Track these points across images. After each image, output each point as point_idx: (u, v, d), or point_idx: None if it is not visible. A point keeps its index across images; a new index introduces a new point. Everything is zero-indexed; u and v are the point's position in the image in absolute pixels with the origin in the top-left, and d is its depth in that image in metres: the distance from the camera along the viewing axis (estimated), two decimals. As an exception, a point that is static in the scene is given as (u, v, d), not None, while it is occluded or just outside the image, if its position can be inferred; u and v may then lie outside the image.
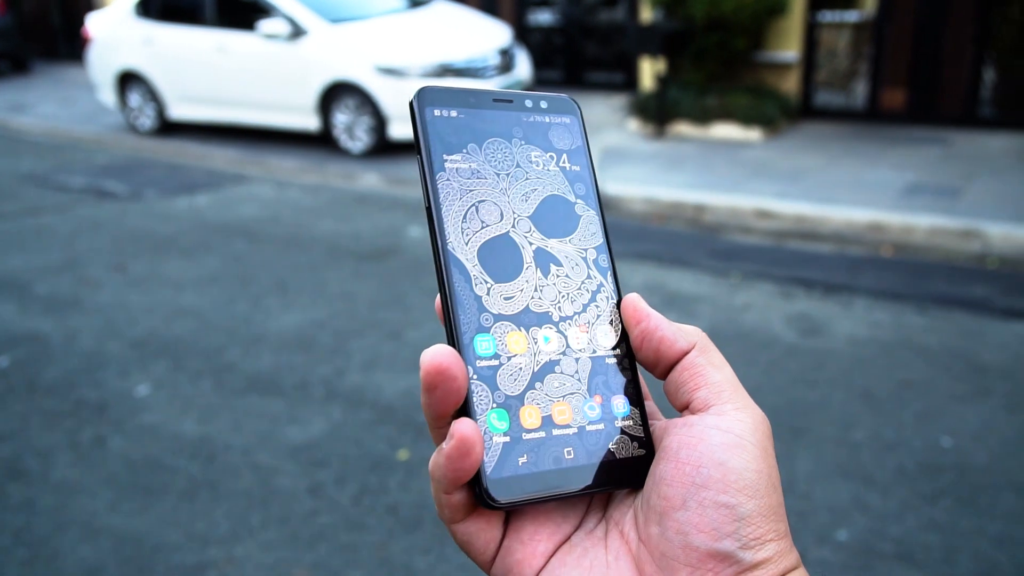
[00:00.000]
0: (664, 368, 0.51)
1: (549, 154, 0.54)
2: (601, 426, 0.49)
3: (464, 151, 0.51)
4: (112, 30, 10.04)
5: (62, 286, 5.70)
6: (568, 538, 0.49)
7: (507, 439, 0.47)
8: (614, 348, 0.51)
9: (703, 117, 8.62)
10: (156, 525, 3.26)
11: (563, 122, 0.56)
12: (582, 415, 0.49)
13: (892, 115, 8.86)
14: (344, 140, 8.85)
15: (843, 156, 7.81)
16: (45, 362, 4.60)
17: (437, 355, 0.45)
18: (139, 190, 8.15)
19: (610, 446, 0.49)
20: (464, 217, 0.49)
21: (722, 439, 0.46)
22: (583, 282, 0.52)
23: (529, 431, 0.47)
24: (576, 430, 0.49)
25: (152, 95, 9.96)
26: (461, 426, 0.44)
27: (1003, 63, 8.33)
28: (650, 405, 0.53)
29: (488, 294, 0.49)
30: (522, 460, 0.47)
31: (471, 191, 0.50)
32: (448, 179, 0.50)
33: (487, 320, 0.48)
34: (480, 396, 0.47)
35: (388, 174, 8.12)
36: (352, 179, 8.23)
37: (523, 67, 9.39)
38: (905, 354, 4.34)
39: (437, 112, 0.51)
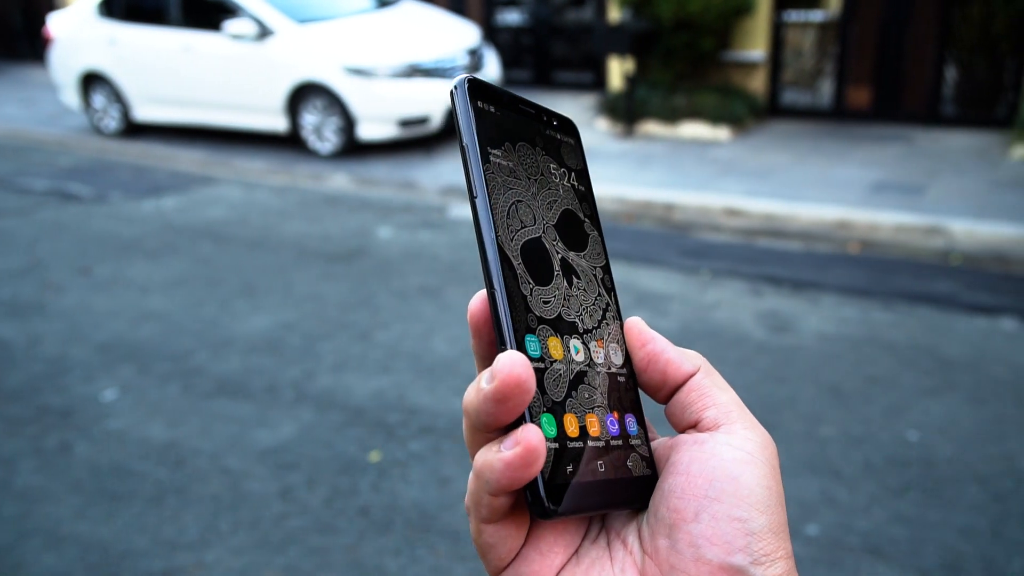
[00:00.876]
0: (669, 390, 0.51)
1: (563, 169, 0.54)
2: (620, 442, 0.49)
3: (503, 148, 0.50)
4: (74, 30, 9.89)
5: (25, 290, 5.61)
6: (576, 550, 0.49)
7: (556, 446, 0.45)
8: (622, 367, 0.52)
9: (672, 116, 8.67)
10: (123, 531, 3.21)
11: (569, 142, 0.56)
12: (607, 429, 0.49)
13: (858, 113, 8.97)
14: (312, 141, 8.78)
15: (810, 154, 7.90)
16: (7, 368, 4.52)
17: (515, 366, 0.42)
18: (104, 192, 8.04)
19: (628, 463, 0.49)
20: (507, 213, 0.48)
21: (734, 455, 0.47)
22: (596, 299, 0.52)
23: (572, 440, 0.46)
24: (604, 444, 0.48)
25: (117, 96, 9.82)
26: (529, 434, 0.42)
27: (964, 62, 8.47)
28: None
29: (531, 295, 0.47)
30: (568, 469, 0.45)
31: (511, 189, 0.49)
32: (493, 173, 0.48)
33: (532, 321, 0.47)
34: (533, 399, 0.45)
35: (357, 175, 8.07)
36: (321, 180, 8.18)
37: (492, 67, 9.39)
38: (872, 350, 4.39)
39: (481, 104, 0.49)
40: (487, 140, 0.48)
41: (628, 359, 0.52)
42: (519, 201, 0.49)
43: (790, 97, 9.42)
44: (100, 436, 3.86)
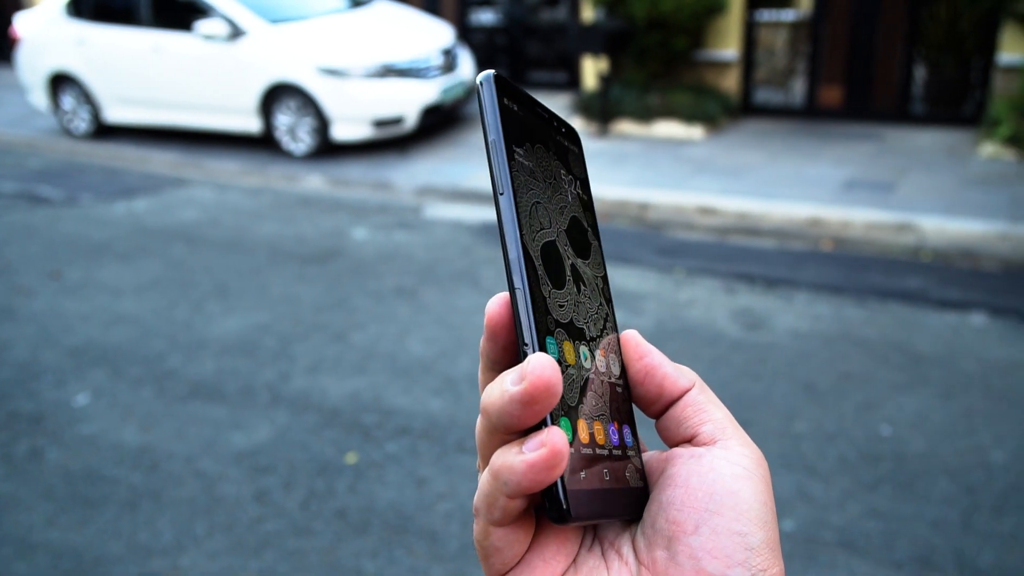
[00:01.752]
0: (663, 405, 0.51)
1: (570, 176, 0.53)
2: (620, 452, 0.49)
3: (525, 147, 0.49)
4: (42, 30, 9.76)
5: (-7, 295, 5.53)
6: (574, 559, 0.48)
7: (572, 451, 0.44)
8: (619, 378, 0.51)
9: (646, 115, 8.71)
10: (96, 538, 3.18)
11: (574, 150, 0.55)
12: (609, 438, 0.48)
13: (829, 112, 9.05)
14: (286, 142, 8.73)
15: (783, 152, 7.96)
16: (-24, 373, 4.45)
17: (546, 369, 0.41)
18: (74, 195, 7.94)
19: (626, 473, 0.49)
20: (530, 213, 0.47)
21: (732, 470, 0.47)
22: (598, 307, 0.52)
23: (584, 446, 0.46)
24: (608, 452, 0.48)
25: (86, 97, 9.70)
26: (554, 437, 0.41)
27: (932, 61, 8.57)
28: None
29: (550, 297, 0.46)
30: (582, 475, 0.44)
31: (531, 189, 0.48)
32: (517, 171, 0.47)
33: (551, 324, 0.46)
34: None
35: (331, 175, 8.03)
36: (295, 181, 8.13)
37: (466, 67, 9.38)
38: (845, 346, 4.44)
39: (507, 101, 0.48)
40: (512, 138, 0.47)
41: (624, 371, 0.52)
42: (538, 203, 0.48)
43: (763, 96, 9.49)
44: (72, 441, 3.81)
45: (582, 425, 0.46)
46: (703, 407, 0.50)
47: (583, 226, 0.53)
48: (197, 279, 5.68)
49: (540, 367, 0.41)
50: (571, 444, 0.44)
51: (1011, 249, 5.63)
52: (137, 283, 5.64)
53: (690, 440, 0.50)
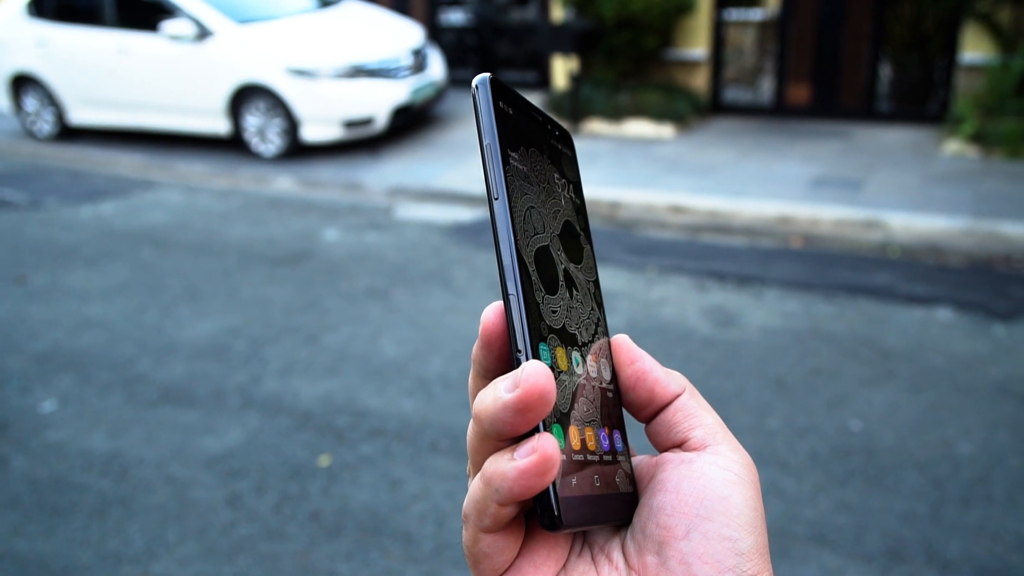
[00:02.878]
0: (653, 410, 0.51)
1: (564, 180, 0.53)
2: (611, 457, 0.49)
3: (519, 151, 0.48)
4: (2, 31, 9.59)
5: (-44, 300, 5.43)
6: (564, 565, 0.48)
7: (564, 457, 0.44)
8: (610, 383, 0.51)
9: (616, 114, 8.74)
10: (64, 546, 3.13)
11: (567, 153, 0.55)
12: (600, 444, 0.48)
13: (797, 110, 9.14)
14: (255, 143, 8.65)
15: (752, 150, 8.03)
16: (-61, 381, 4.37)
17: (540, 376, 0.41)
18: (39, 198, 7.81)
19: (616, 479, 0.48)
20: (524, 218, 0.46)
21: (723, 476, 0.47)
22: (590, 312, 0.51)
23: (575, 452, 0.45)
24: (599, 458, 0.47)
25: (50, 99, 9.55)
26: (545, 443, 0.41)
27: (897, 60, 8.69)
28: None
29: (543, 303, 0.46)
30: (573, 481, 0.44)
31: (526, 194, 0.47)
32: (512, 175, 0.46)
33: (544, 329, 0.45)
34: None
35: (302, 177, 7.98)
36: (264, 183, 8.07)
37: (436, 67, 9.36)
38: (815, 342, 4.48)
39: (502, 105, 0.48)
40: (507, 142, 0.47)
41: (614, 376, 0.52)
42: (532, 207, 0.48)
43: (732, 95, 9.56)
44: (38, 449, 3.75)
45: (574, 431, 0.46)
46: (693, 412, 0.51)
47: (576, 230, 0.52)
48: (166, 282, 5.62)
49: (535, 374, 0.41)
50: (562, 451, 0.44)
51: (975, 244, 5.72)
52: (105, 287, 5.57)
53: (680, 445, 0.50)
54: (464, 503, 0.46)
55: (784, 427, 3.71)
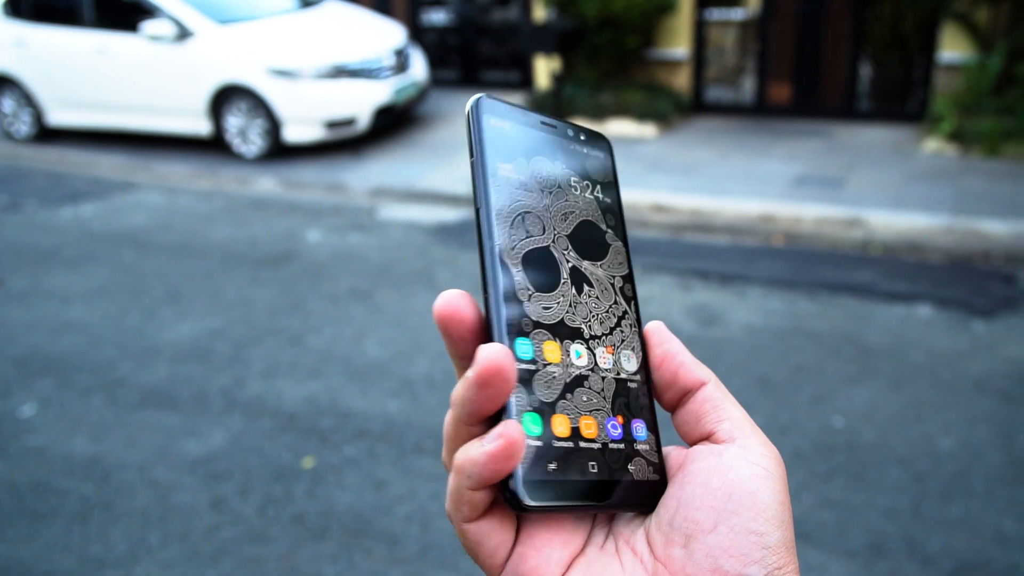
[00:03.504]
0: (677, 393, 0.53)
1: (586, 182, 0.57)
2: (622, 446, 0.51)
3: (515, 162, 0.52)
4: (-20, 32, 9.49)
5: (-66, 304, 5.37)
6: (582, 550, 0.49)
7: (539, 443, 0.47)
8: (635, 374, 0.53)
9: (598, 114, 8.76)
10: (45, 551, 3.10)
11: (597, 156, 0.59)
12: (606, 432, 0.50)
13: (778, 109, 9.19)
14: (237, 144, 8.61)
15: (734, 149, 8.06)
16: (-83, 386, 4.32)
17: (495, 353, 0.44)
18: (17, 201, 7.74)
19: (629, 466, 0.50)
20: (512, 224, 0.50)
21: (752, 471, 0.48)
22: (611, 306, 0.54)
23: (559, 439, 0.48)
24: (600, 446, 0.49)
25: (28, 100, 9.46)
26: (510, 427, 0.44)
27: (877, 59, 8.75)
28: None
29: (529, 300, 0.49)
30: (551, 467, 0.47)
31: (519, 201, 0.51)
32: (499, 185, 0.51)
33: (527, 325, 0.49)
34: (518, 398, 0.47)
35: (284, 177, 7.94)
36: (247, 184, 8.02)
37: (418, 67, 9.34)
38: (797, 339, 4.51)
39: (493, 122, 0.53)
40: (497, 155, 0.51)
41: (644, 366, 0.54)
42: (528, 212, 0.51)
43: (714, 94, 9.60)
44: (18, 453, 3.72)
45: (560, 420, 0.48)
46: (720, 404, 0.52)
47: (599, 228, 0.55)
48: (148, 285, 5.58)
49: (489, 352, 0.44)
50: (539, 438, 0.47)
51: (955, 242, 5.77)
52: (85, 290, 5.52)
53: (708, 437, 0.51)
54: (445, 503, 0.48)
55: (767, 424, 3.72)
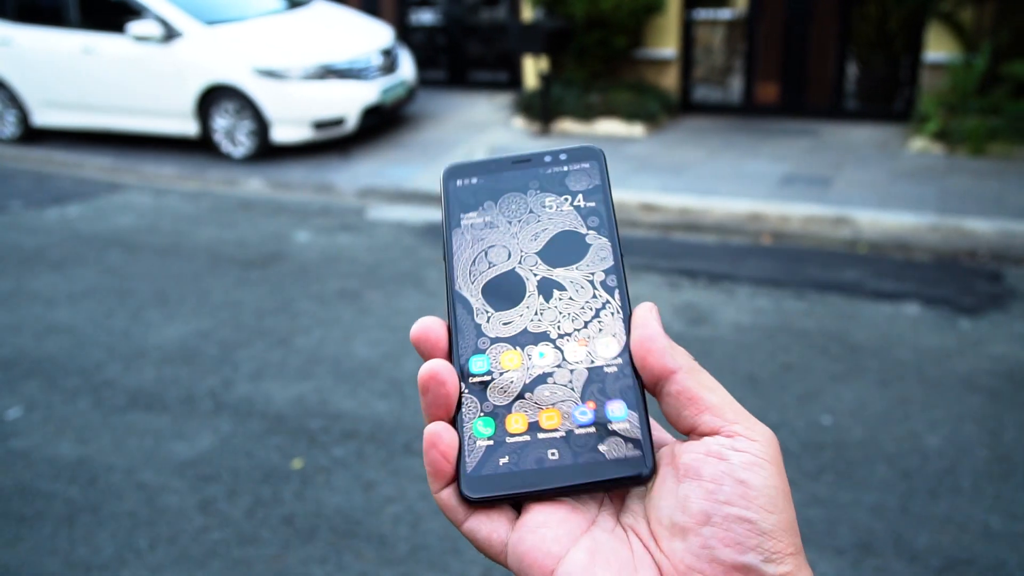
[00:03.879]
0: (650, 378, 0.53)
1: (564, 197, 0.61)
2: (592, 430, 0.53)
3: (480, 208, 0.61)
4: (-35, 33, 9.42)
5: (-82, 307, 5.32)
6: (587, 531, 0.50)
7: (491, 443, 0.53)
8: (615, 358, 0.55)
9: (587, 114, 8.76)
10: (31, 555, 3.08)
11: (582, 167, 0.63)
12: (571, 420, 0.53)
13: (766, 108, 9.22)
14: (225, 145, 8.57)
15: (722, 149, 8.08)
16: (-99, 389, 4.28)
17: (432, 364, 0.53)
18: (2, 202, 7.69)
19: (600, 447, 0.52)
20: (473, 261, 0.59)
21: (740, 459, 0.49)
22: (587, 302, 0.57)
23: (514, 435, 0.53)
24: (564, 434, 0.53)
25: (12, 100, 9.40)
26: (429, 426, 0.52)
27: (863, 58, 8.79)
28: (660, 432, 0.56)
29: (488, 321, 0.57)
30: (503, 461, 0.52)
31: (482, 239, 0.59)
32: (462, 233, 0.60)
33: (483, 343, 0.56)
34: (469, 406, 0.54)
35: (272, 178, 7.92)
36: (234, 185, 7.99)
37: (406, 68, 9.32)
38: (786, 338, 4.52)
39: (459, 182, 0.62)
40: (461, 208, 0.61)
41: (627, 349, 0.55)
42: (492, 246, 0.59)
43: (702, 93, 9.62)
44: (3, 456, 3.69)
45: (516, 418, 0.54)
46: (694, 395, 0.52)
47: (579, 233, 0.60)
48: (135, 286, 5.55)
49: (427, 365, 0.54)
50: (491, 438, 0.53)
51: (941, 240, 5.80)
52: (72, 292, 5.49)
53: (693, 430, 0.52)
54: None
55: (756, 423, 3.73)
